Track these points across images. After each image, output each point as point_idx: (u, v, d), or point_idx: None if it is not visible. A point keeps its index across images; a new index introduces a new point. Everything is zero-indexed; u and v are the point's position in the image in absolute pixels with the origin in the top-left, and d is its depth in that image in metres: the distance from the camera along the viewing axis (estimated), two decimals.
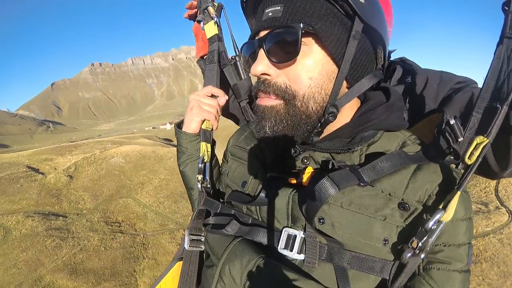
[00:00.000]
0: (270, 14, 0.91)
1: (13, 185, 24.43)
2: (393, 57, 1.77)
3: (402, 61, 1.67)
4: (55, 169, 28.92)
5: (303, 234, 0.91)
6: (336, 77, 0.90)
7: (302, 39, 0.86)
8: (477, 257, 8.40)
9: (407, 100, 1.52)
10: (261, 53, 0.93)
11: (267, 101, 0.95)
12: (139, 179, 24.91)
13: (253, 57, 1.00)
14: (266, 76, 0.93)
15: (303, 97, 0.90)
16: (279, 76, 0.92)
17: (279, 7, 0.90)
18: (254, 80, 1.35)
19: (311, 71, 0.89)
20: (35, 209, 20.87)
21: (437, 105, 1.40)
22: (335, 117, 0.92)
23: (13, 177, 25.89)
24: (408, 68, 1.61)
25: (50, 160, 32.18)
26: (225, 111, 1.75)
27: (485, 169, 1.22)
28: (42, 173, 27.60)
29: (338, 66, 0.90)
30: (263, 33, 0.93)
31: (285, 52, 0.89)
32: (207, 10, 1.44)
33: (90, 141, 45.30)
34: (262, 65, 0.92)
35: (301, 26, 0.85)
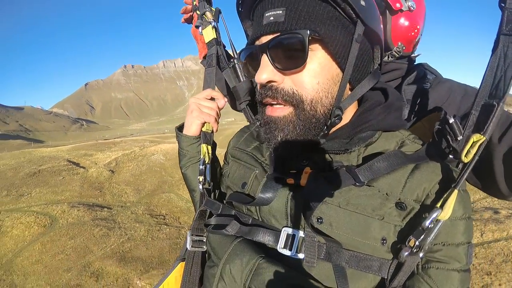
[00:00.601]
0: (271, 18, 0.90)
1: (55, 177, 25.21)
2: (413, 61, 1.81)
3: (424, 67, 1.68)
4: (96, 163, 29.67)
5: (302, 233, 0.90)
6: (341, 80, 0.92)
7: (309, 45, 0.86)
8: (506, 256, 8.61)
9: (417, 102, 1.53)
10: (265, 59, 0.92)
11: (279, 111, 0.95)
12: (180, 176, 24.30)
13: (252, 63, 1.00)
14: (272, 83, 0.93)
15: (311, 102, 0.91)
16: (285, 82, 0.92)
17: (280, 11, 0.88)
18: (252, 81, 1.38)
19: (318, 76, 0.90)
20: (79, 200, 21.37)
21: None
22: (340, 119, 0.94)
23: (55, 169, 26.75)
24: (428, 75, 1.62)
25: (89, 155, 33.21)
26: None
27: (493, 189, 1.23)
28: (83, 167, 28.33)
29: (342, 69, 0.92)
30: (265, 39, 0.92)
31: (291, 59, 0.88)
32: (205, 16, 1.46)
33: (127, 139, 46.11)
34: (267, 72, 0.91)
35: (308, 33, 0.85)
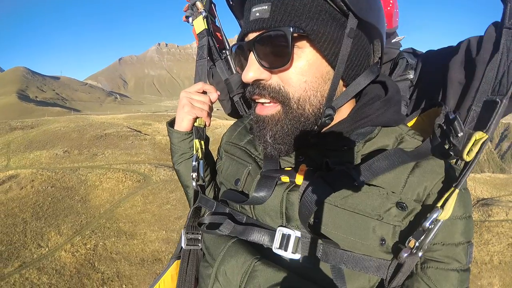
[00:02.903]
0: (257, 14, 0.86)
1: (124, 141, 25.16)
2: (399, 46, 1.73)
3: (412, 53, 1.62)
4: (158, 132, 29.81)
5: (298, 233, 0.87)
6: (332, 79, 0.87)
7: (293, 43, 0.82)
8: None
9: (409, 96, 1.49)
10: (251, 57, 0.88)
11: (267, 110, 0.92)
12: None
13: (243, 60, 0.97)
14: (260, 81, 0.89)
15: (299, 100, 0.87)
16: (272, 79, 0.88)
17: (266, 6, 0.84)
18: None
19: (305, 74, 0.85)
20: (157, 162, 21.21)
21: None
22: (332, 119, 0.90)
23: (121, 134, 26.77)
24: (410, 61, 1.56)
25: (148, 124, 33.45)
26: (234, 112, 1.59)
27: None
28: (147, 134, 28.48)
29: (333, 66, 0.86)
30: (251, 36, 0.88)
31: (276, 57, 0.84)
32: (195, 5, 1.42)
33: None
34: (253, 70, 0.87)
35: (291, 30, 0.80)
